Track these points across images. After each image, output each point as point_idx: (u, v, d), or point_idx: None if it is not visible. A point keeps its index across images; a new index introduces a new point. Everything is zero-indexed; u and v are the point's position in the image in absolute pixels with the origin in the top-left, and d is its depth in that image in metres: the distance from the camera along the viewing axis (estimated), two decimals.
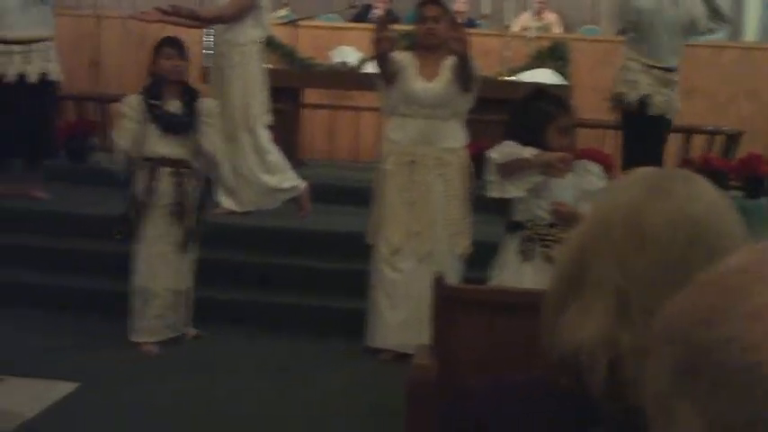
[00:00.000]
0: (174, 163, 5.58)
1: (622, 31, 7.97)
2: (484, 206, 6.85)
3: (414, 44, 6.02)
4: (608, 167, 7.64)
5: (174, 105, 5.58)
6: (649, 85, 6.89)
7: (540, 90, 4.94)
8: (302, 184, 7.05)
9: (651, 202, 1.30)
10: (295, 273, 6.50)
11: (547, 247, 4.48)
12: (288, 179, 7.11)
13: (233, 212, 7.08)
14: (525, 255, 4.52)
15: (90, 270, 6.64)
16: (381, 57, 5.57)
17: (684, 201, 1.30)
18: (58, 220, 7.12)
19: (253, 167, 7.05)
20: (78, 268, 6.67)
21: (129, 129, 5.52)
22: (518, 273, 4.52)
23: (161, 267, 5.57)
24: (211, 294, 6.10)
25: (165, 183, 5.54)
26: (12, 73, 7.32)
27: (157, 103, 5.52)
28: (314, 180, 7.37)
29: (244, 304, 6.29)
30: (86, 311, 6.29)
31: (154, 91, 5.55)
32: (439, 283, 2.67)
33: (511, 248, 4.59)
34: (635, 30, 6.93)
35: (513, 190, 4.51)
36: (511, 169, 4.48)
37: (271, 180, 7.09)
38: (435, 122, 5.60)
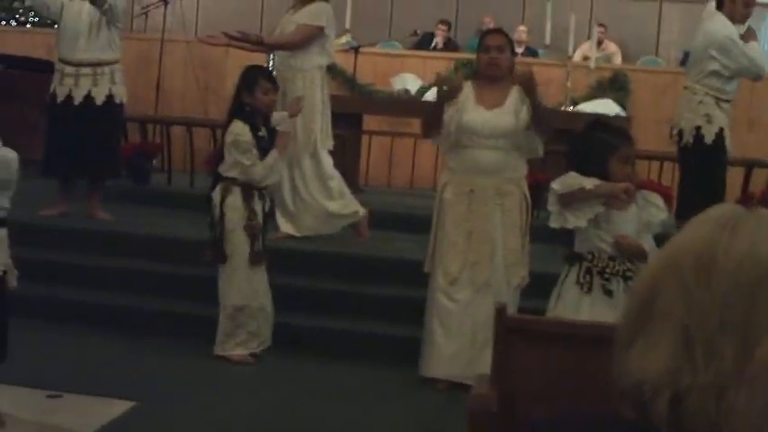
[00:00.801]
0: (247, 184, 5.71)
1: (685, 62, 7.90)
2: (544, 236, 6.88)
3: (475, 73, 5.96)
4: (667, 200, 7.60)
5: (262, 131, 5.74)
6: (724, 119, 6.85)
7: (600, 121, 4.95)
8: (362, 211, 7.09)
9: (722, 239, 1.33)
10: (352, 299, 6.53)
11: (606, 280, 4.46)
12: (348, 205, 7.15)
13: (292, 237, 7.13)
14: (584, 287, 4.50)
15: (149, 290, 6.72)
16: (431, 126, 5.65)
17: (754, 241, 1.32)
18: (120, 240, 7.21)
19: (314, 192, 7.10)
20: (137, 288, 6.75)
21: (255, 154, 5.65)
22: (576, 305, 4.50)
23: (250, 286, 5.67)
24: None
25: (240, 203, 5.66)
26: (79, 94, 7.46)
27: (262, 134, 5.66)
28: (372, 206, 7.41)
29: (300, 329, 6.32)
30: (144, 330, 6.35)
31: (253, 121, 5.66)
32: (500, 313, 2.68)
33: (570, 280, 4.58)
34: (729, 70, 6.83)
35: (574, 220, 4.49)
36: (572, 199, 4.47)
37: (331, 206, 7.13)
38: (495, 153, 5.52)
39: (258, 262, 5.70)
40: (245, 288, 5.71)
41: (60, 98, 7.49)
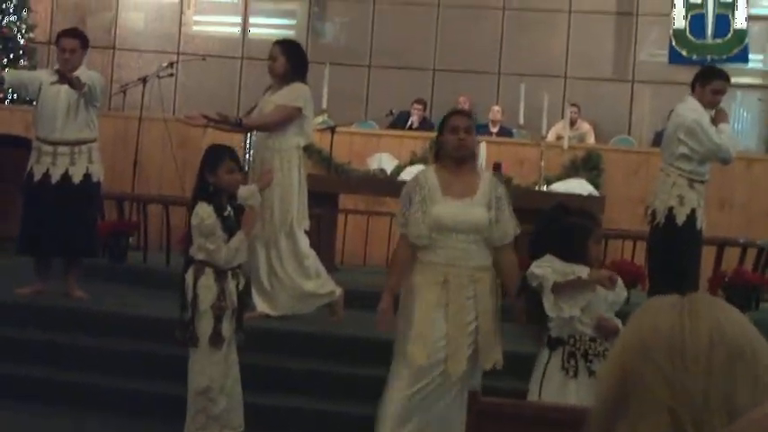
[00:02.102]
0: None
1: (658, 142, 8.01)
2: (511, 316, 6.91)
3: (437, 157, 5.45)
4: (639, 279, 7.70)
5: (227, 210, 5.65)
6: (696, 201, 6.97)
7: (563, 205, 4.97)
8: (338, 291, 7.13)
9: (685, 324, 1.42)
10: (327, 379, 6.53)
11: (590, 362, 4.54)
12: (324, 285, 7.18)
13: (268, 316, 7.14)
14: (569, 371, 4.56)
15: (123, 369, 6.69)
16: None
17: (716, 323, 1.42)
18: (96, 319, 7.20)
19: (290, 272, 7.12)
20: (112, 367, 6.72)
21: (221, 236, 5.57)
22: (562, 390, 4.55)
23: (216, 368, 5.59)
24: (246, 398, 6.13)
25: (212, 283, 5.58)
26: (57, 173, 7.50)
27: (227, 214, 5.60)
28: (348, 286, 7.43)
29: (275, 409, 6.30)
30: (119, 410, 6.32)
31: (217, 201, 5.61)
32: (474, 397, 2.70)
33: (553, 365, 4.62)
34: (698, 154, 6.96)
35: (569, 310, 4.55)
36: (567, 288, 4.55)
37: (308, 285, 7.15)
38: (468, 246, 5.16)
39: (218, 344, 5.52)
40: (209, 370, 5.56)
41: (37, 176, 7.51)
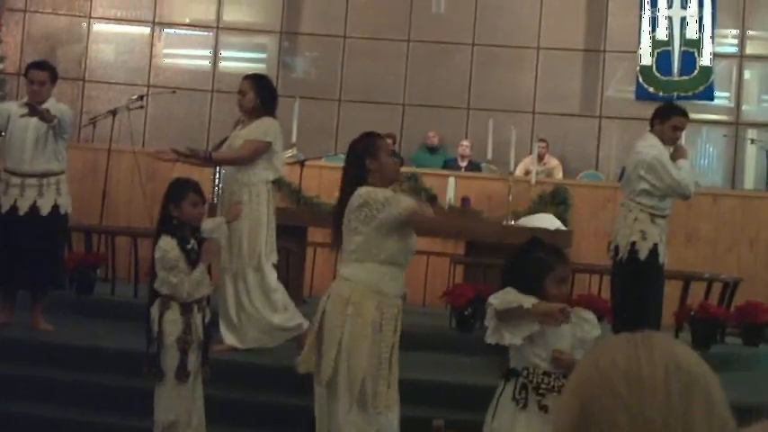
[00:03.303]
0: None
1: (622, 177, 8.10)
2: (480, 348, 6.94)
3: (384, 181, 5.30)
4: (605, 313, 7.75)
5: (191, 243, 5.64)
6: (658, 235, 7.04)
7: (537, 240, 5.03)
8: (305, 324, 7.11)
9: (641, 355, 1.47)
10: (294, 412, 6.50)
11: (541, 395, 4.53)
12: (292, 318, 7.19)
13: (235, 349, 7.13)
14: (519, 403, 4.56)
15: (89, 403, 6.65)
16: None
17: (671, 352, 1.48)
18: (61, 352, 7.16)
19: (258, 305, 7.13)
20: (78, 401, 6.68)
21: (184, 269, 5.54)
22: (512, 421, 4.55)
23: (182, 402, 5.56)
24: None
25: (177, 317, 5.55)
26: (25, 205, 7.49)
27: (191, 247, 5.59)
28: None
29: None
30: None
31: (181, 234, 5.59)
32: (438, 430, 2.72)
33: (506, 396, 4.63)
34: (658, 190, 7.05)
35: (510, 338, 4.56)
36: (510, 316, 4.55)
37: (276, 318, 7.16)
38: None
39: (184, 378, 5.50)
40: (175, 404, 5.52)
41: (5, 208, 7.51)
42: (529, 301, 4.51)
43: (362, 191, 5.10)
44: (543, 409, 4.49)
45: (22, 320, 7.62)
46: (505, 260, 5.01)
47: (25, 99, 7.69)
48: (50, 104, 7.52)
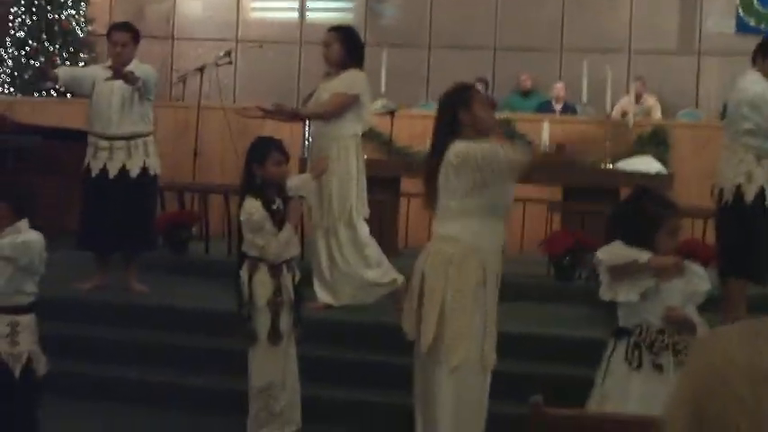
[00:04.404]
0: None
1: (724, 114, 7.75)
2: (584, 299, 6.75)
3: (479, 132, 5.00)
4: (710, 259, 7.46)
5: (276, 203, 5.52)
6: (765, 177, 6.71)
7: (644, 189, 4.80)
8: (400, 279, 6.97)
9: (765, 350, 1.30)
10: (391, 370, 6.38)
11: (656, 354, 4.34)
12: (387, 274, 7.06)
13: (330, 307, 7.05)
14: (633, 363, 4.37)
15: (184, 365, 6.64)
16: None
17: None
18: (158, 313, 7.16)
19: (351, 262, 7.03)
20: (172, 363, 6.67)
21: (270, 230, 5.43)
22: (626, 382, 4.36)
23: (276, 364, 5.49)
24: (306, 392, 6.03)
25: (267, 279, 5.46)
26: (114, 167, 7.48)
27: (276, 207, 5.46)
28: (411, 271, 7.28)
29: (339, 402, 6.21)
30: (181, 407, 6.28)
31: (265, 195, 5.48)
32: (537, 408, 2.55)
33: (617, 356, 4.44)
34: (764, 129, 6.71)
35: (625, 294, 4.37)
36: (624, 272, 4.36)
37: (369, 274, 7.05)
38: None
39: (277, 340, 5.43)
40: (269, 367, 5.47)
41: (95, 172, 7.51)
42: (644, 256, 4.31)
43: (459, 148, 4.86)
44: (658, 368, 4.31)
45: (115, 283, 7.64)
46: (612, 211, 4.82)
47: (108, 62, 7.65)
48: (134, 65, 7.47)
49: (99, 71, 7.68)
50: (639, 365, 4.35)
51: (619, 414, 3.79)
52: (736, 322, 1.36)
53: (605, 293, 4.44)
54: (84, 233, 7.60)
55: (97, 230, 7.50)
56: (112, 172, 7.48)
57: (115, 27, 7.71)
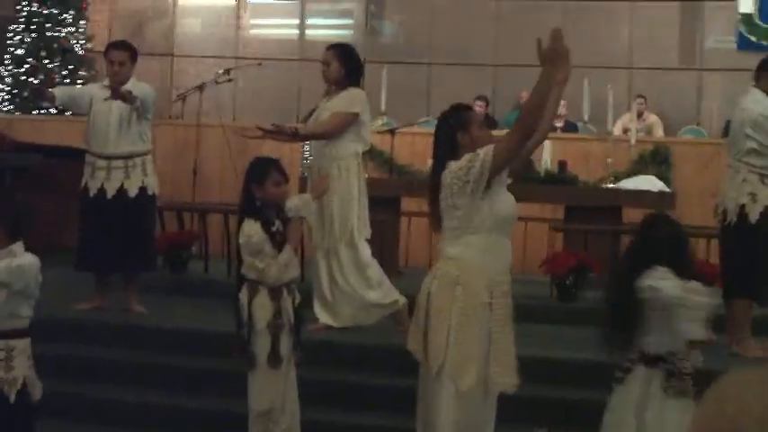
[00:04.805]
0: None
1: (727, 131, 7.71)
2: (586, 320, 6.67)
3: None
4: (714, 279, 7.40)
5: (275, 225, 5.44)
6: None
7: (662, 215, 4.95)
8: (402, 300, 6.91)
9: None
10: (392, 393, 6.30)
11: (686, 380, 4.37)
12: (388, 294, 7.00)
13: (330, 328, 6.98)
14: (669, 391, 4.36)
15: (182, 387, 6.57)
16: None
17: None
18: (157, 334, 7.09)
19: (352, 282, 6.96)
20: (170, 385, 6.60)
21: (269, 253, 5.34)
22: (663, 411, 4.36)
23: (275, 388, 5.40)
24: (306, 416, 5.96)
25: (267, 302, 5.39)
26: (112, 187, 7.43)
27: (275, 229, 5.38)
28: (412, 291, 7.21)
29: (340, 426, 6.14)
30: (180, 429, 6.20)
31: (265, 216, 5.40)
32: None
33: (652, 384, 4.41)
34: (763, 147, 6.67)
35: (703, 333, 4.41)
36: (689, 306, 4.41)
37: (371, 295, 6.98)
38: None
39: (277, 364, 5.32)
40: (268, 391, 5.36)
41: (92, 191, 7.46)
42: (700, 288, 4.38)
43: (452, 167, 4.82)
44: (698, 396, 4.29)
45: (114, 304, 7.57)
46: (635, 240, 4.78)
47: (106, 81, 7.60)
48: (131, 84, 7.42)
49: (96, 90, 7.63)
50: (677, 394, 4.35)
51: None
52: (752, 370, 1.31)
53: (699, 334, 4.40)
54: (83, 254, 7.53)
55: (96, 251, 7.43)
56: (110, 192, 7.42)
57: (113, 46, 7.67)
